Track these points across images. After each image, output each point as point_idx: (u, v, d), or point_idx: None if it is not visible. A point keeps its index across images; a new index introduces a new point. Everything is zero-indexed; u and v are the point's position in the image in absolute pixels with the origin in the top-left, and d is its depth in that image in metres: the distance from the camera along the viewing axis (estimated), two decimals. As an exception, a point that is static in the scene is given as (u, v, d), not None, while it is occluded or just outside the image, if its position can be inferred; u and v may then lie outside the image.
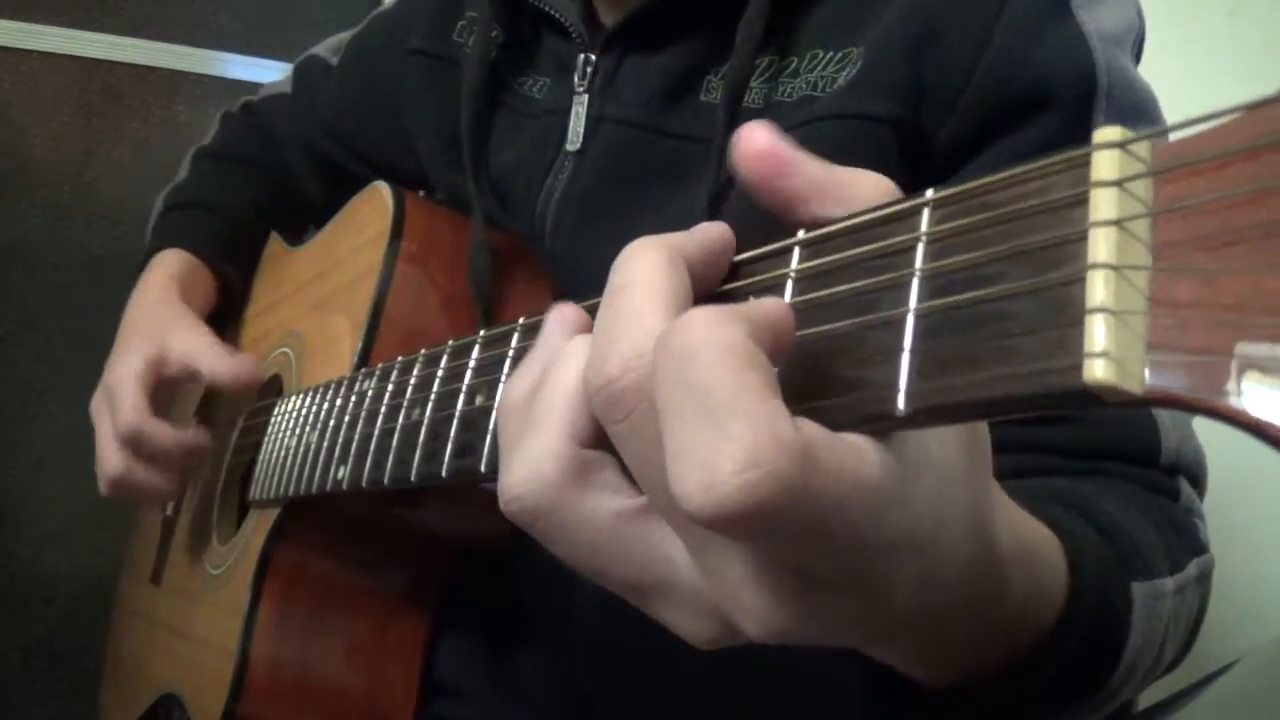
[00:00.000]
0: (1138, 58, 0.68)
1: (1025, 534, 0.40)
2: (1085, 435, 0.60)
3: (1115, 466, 0.60)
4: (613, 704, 0.76)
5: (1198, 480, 0.63)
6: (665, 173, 0.73)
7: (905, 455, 0.30)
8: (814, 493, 0.27)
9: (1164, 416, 0.61)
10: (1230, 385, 0.22)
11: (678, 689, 0.72)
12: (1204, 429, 0.62)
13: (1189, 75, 1.00)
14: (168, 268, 1.00)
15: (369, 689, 0.79)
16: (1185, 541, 0.57)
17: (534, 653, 0.81)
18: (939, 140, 0.64)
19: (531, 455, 0.34)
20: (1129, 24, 0.67)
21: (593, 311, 0.43)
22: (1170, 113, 0.66)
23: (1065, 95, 0.62)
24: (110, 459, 0.88)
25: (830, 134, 0.65)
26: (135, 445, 0.87)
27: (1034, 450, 0.59)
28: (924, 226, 0.28)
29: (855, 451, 0.29)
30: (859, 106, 0.65)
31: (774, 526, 0.27)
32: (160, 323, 0.94)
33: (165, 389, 0.91)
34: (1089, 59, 0.62)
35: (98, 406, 0.91)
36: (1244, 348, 0.21)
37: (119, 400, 0.87)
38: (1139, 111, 0.64)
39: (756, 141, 0.34)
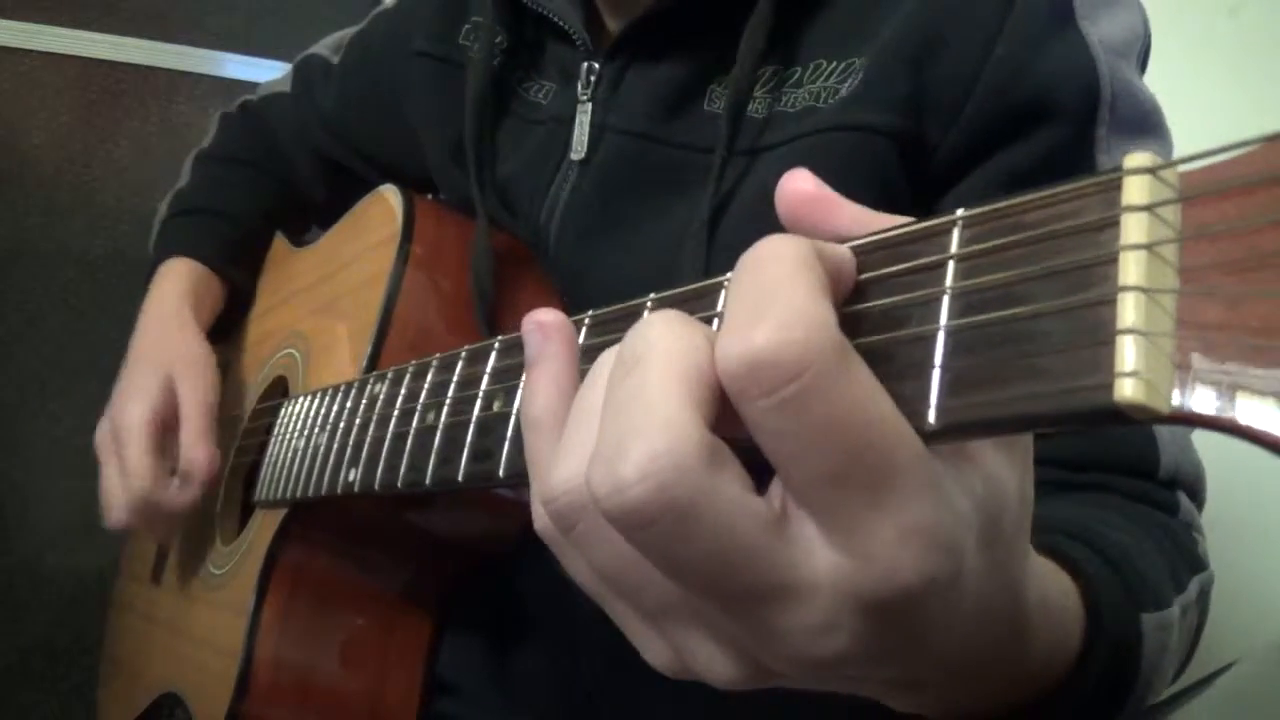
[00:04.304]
0: (1143, 67, 0.68)
1: (1046, 583, 0.40)
2: (1085, 448, 0.60)
3: (1114, 479, 0.60)
4: (615, 704, 0.76)
5: (1196, 493, 0.63)
6: (668, 182, 0.73)
7: (944, 461, 0.30)
8: (847, 384, 0.28)
9: (1163, 430, 0.61)
10: (1252, 405, 0.22)
11: (680, 689, 0.72)
12: (1204, 430, 0.62)
13: (1190, 76, 1.00)
14: (179, 281, 1.00)
15: (373, 690, 0.79)
16: (1186, 560, 0.57)
17: (536, 653, 0.81)
18: (941, 151, 0.64)
19: (651, 437, 0.29)
20: (1134, 34, 0.66)
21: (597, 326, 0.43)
22: (1173, 114, 0.66)
23: (1068, 106, 0.62)
24: (117, 511, 0.88)
25: (832, 145, 0.66)
26: (145, 510, 0.87)
27: (1034, 463, 0.60)
28: (954, 246, 0.29)
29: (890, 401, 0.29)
30: (861, 118, 0.65)
31: (809, 407, 0.27)
32: (172, 355, 0.94)
33: (169, 430, 0.91)
34: (1092, 70, 0.62)
35: (104, 444, 0.90)
36: (1267, 366, 0.22)
37: (128, 456, 0.87)
38: (1143, 123, 0.64)
39: (800, 184, 0.35)
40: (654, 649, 0.35)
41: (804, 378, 0.27)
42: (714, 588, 0.30)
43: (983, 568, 0.32)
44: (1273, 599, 1.03)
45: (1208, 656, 0.60)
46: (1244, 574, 1.01)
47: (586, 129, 0.78)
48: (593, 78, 0.78)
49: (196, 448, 0.87)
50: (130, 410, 0.89)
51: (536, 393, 0.37)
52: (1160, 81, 0.67)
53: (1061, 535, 0.49)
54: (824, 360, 0.27)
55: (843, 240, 0.33)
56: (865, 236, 0.32)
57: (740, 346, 0.28)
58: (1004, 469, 0.32)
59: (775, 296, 0.28)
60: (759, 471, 0.30)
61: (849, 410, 0.27)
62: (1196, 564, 0.58)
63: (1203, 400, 0.23)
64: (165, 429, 0.90)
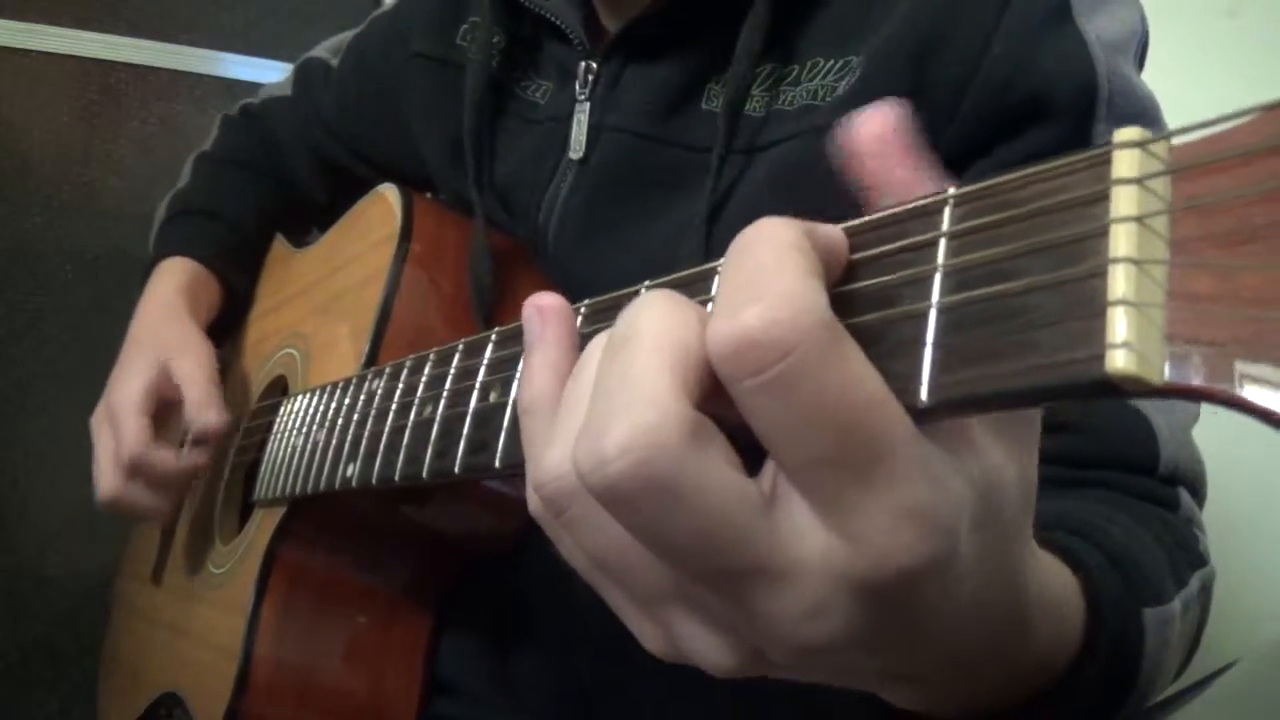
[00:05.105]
0: (1141, 63, 0.68)
1: (1047, 578, 0.40)
2: (1085, 444, 0.60)
3: (1114, 476, 0.60)
4: (614, 703, 0.77)
5: (1197, 490, 0.63)
6: (666, 181, 0.73)
7: (940, 446, 0.30)
8: (836, 364, 0.27)
9: (1162, 426, 0.61)
10: (1244, 376, 0.22)
11: (680, 687, 0.72)
12: (1204, 426, 0.62)
13: (1189, 76, 1.00)
14: (174, 278, 1.00)
15: (372, 688, 0.80)
16: (1187, 556, 0.57)
17: (535, 651, 0.81)
18: (938, 149, 0.64)
19: (634, 413, 0.29)
20: (1132, 30, 0.66)
21: (592, 313, 0.43)
22: (1171, 113, 0.66)
23: (1065, 103, 0.62)
24: (108, 480, 0.88)
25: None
26: (137, 472, 0.87)
27: None
28: (945, 224, 0.29)
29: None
30: None
31: (798, 387, 0.27)
32: (166, 340, 0.94)
33: (166, 410, 0.91)
34: (1090, 67, 0.62)
35: (99, 424, 0.91)
36: (1259, 337, 0.22)
37: (122, 426, 0.87)
38: (1140, 119, 0.64)
39: (879, 123, 0.34)
40: (647, 633, 0.35)
41: (792, 357, 0.27)
42: (702, 569, 0.30)
43: (978, 555, 0.31)
44: (1273, 597, 1.03)
45: (1208, 655, 0.60)
46: (1245, 572, 1.01)
47: (584, 128, 0.78)
48: (590, 77, 0.78)
49: (203, 412, 0.87)
50: (124, 387, 0.90)
51: (533, 377, 0.37)
52: (1159, 82, 0.67)
53: (1061, 530, 0.49)
54: (812, 340, 0.27)
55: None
56: (857, 218, 0.32)
57: (729, 327, 0.28)
58: (1004, 459, 0.32)
59: (764, 278, 0.28)
60: (754, 457, 0.30)
61: (839, 390, 0.27)
62: (1197, 560, 0.58)
63: (1194, 371, 0.23)
64: (161, 405, 0.90)
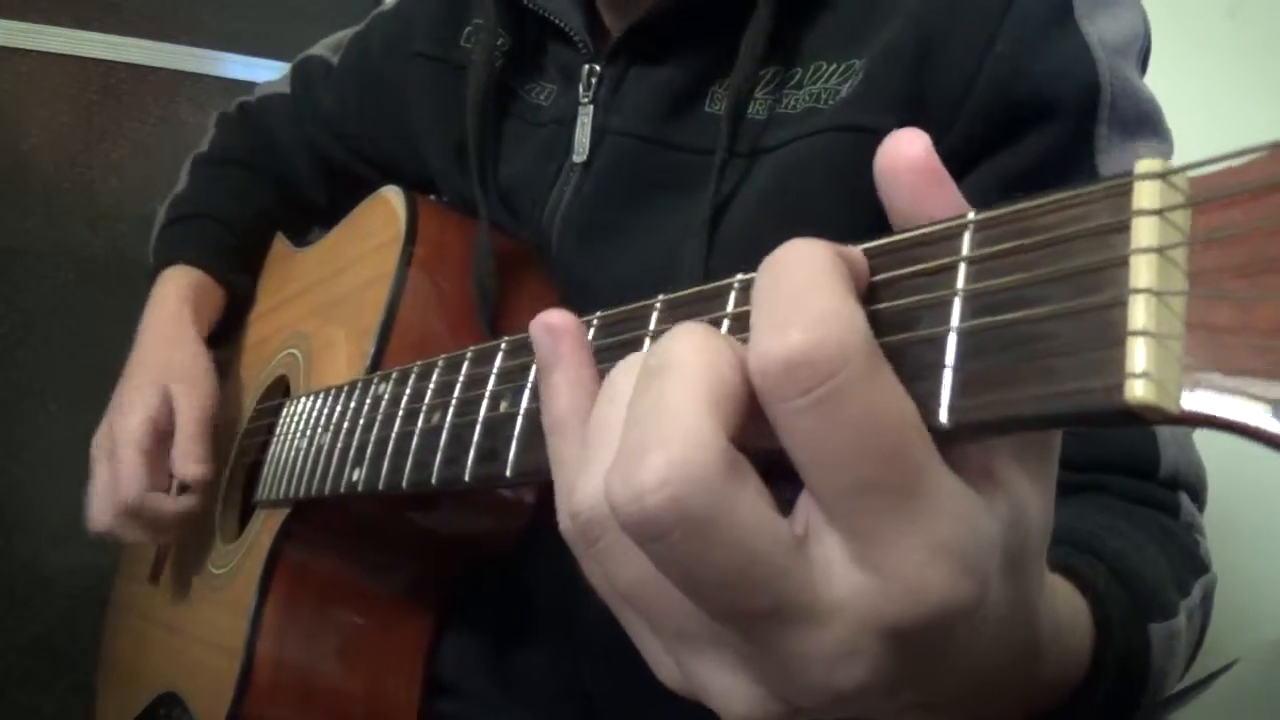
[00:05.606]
0: (1143, 67, 0.68)
1: (1058, 605, 0.40)
2: (1085, 448, 0.60)
3: (1114, 480, 0.60)
4: (616, 704, 0.77)
5: (1198, 494, 0.63)
6: (669, 184, 0.73)
7: (970, 485, 0.29)
8: (879, 385, 0.27)
9: (1164, 431, 0.61)
10: (1260, 405, 0.22)
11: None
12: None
13: (1189, 76, 1.00)
14: (179, 288, 1.00)
15: (374, 689, 0.80)
16: (1189, 564, 0.57)
17: (537, 652, 0.81)
18: (941, 151, 0.64)
19: (671, 447, 0.28)
20: (1134, 33, 0.66)
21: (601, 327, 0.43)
22: (1171, 114, 0.66)
23: (1067, 105, 0.62)
24: (101, 514, 0.88)
25: (833, 146, 0.66)
26: (131, 515, 0.87)
27: None
28: (965, 248, 0.29)
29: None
30: (860, 118, 0.65)
31: (843, 406, 0.27)
32: (171, 365, 0.94)
33: (166, 439, 0.91)
34: (1092, 69, 0.62)
35: (98, 451, 0.91)
36: (1275, 367, 0.22)
37: (121, 464, 0.87)
38: (1142, 122, 0.64)
39: (910, 150, 0.33)
40: (665, 667, 0.35)
41: (840, 376, 0.27)
42: (732, 608, 0.30)
43: (1004, 597, 0.31)
44: (1273, 599, 1.04)
45: (1208, 656, 0.61)
46: (1244, 574, 1.01)
47: (588, 131, 0.78)
48: (594, 80, 0.78)
49: (187, 462, 0.88)
50: (128, 420, 0.89)
51: (557, 395, 0.36)
52: (1159, 82, 0.68)
53: (1067, 546, 0.48)
54: (858, 359, 0.27)
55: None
56: (876, 239, 0.32)
57: (777, 347, 0.27)
58: (1028, 493, 0.32)
59: (806, 297, 0.28)
60: (781, 493, 0.30)
61: (881, 410, 0.27)
62: (1199, 567, 0.58)
63: (1212, 401, 0.23)
64: (161, 438, 0.90)
